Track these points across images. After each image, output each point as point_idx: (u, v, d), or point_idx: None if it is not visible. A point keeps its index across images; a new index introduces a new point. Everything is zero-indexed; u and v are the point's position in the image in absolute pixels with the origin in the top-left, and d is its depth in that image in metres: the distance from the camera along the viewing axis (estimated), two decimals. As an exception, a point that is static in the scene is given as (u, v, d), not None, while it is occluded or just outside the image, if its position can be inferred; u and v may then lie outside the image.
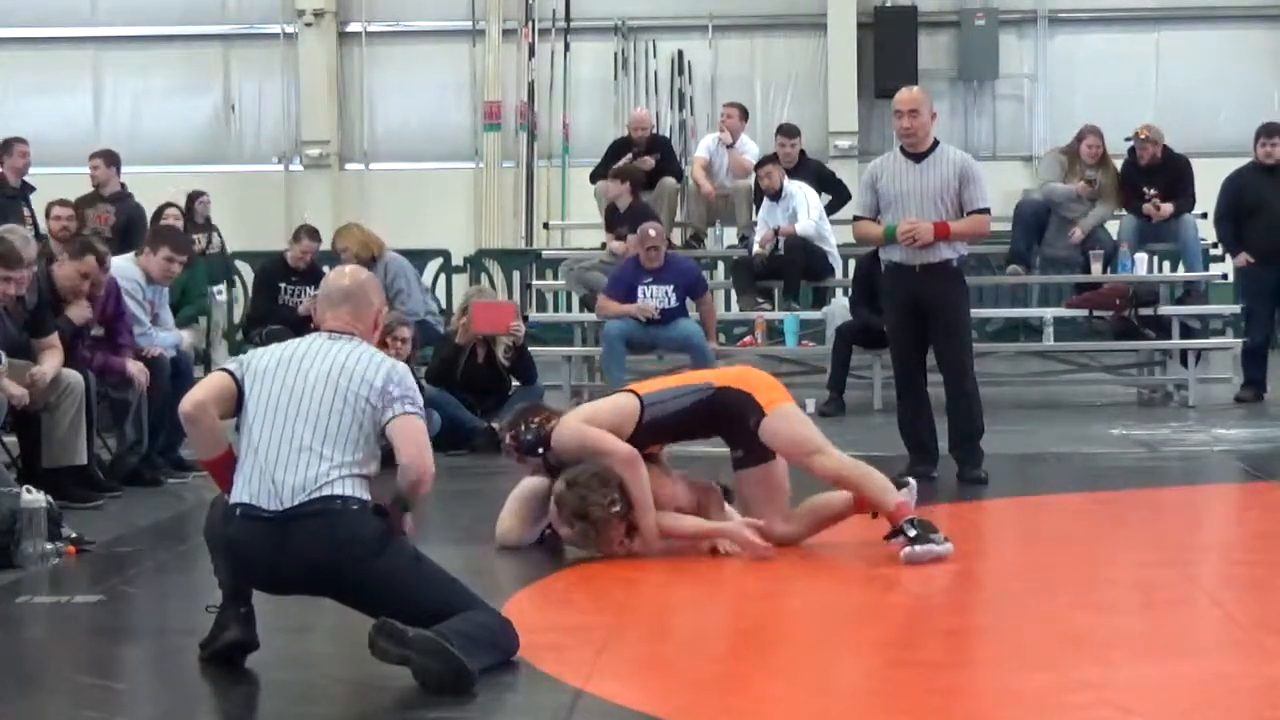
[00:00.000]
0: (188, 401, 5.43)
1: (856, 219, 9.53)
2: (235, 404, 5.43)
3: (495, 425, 9.98)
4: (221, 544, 5.41)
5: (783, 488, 7.39)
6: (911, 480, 7.58)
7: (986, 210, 9.24)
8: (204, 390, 5.45)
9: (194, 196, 15.85)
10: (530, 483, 7.49)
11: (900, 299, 9.34)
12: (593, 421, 7.23)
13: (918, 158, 9.16)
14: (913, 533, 7.04)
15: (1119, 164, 14.48)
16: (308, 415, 5.30)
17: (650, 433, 7.26)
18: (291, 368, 5.39)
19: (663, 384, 7.48)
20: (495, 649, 5.27)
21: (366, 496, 5.32)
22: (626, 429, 7.19)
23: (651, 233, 13.01)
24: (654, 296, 13.00)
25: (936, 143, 9.24)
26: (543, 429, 7.31)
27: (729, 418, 7.29)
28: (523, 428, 7.35)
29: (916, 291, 9.22)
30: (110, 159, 14.53)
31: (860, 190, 9.65)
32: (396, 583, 5.25)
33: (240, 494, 5.31)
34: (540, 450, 7.30)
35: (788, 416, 7.26)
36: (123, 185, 14.47)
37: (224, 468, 5.43)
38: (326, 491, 5.24)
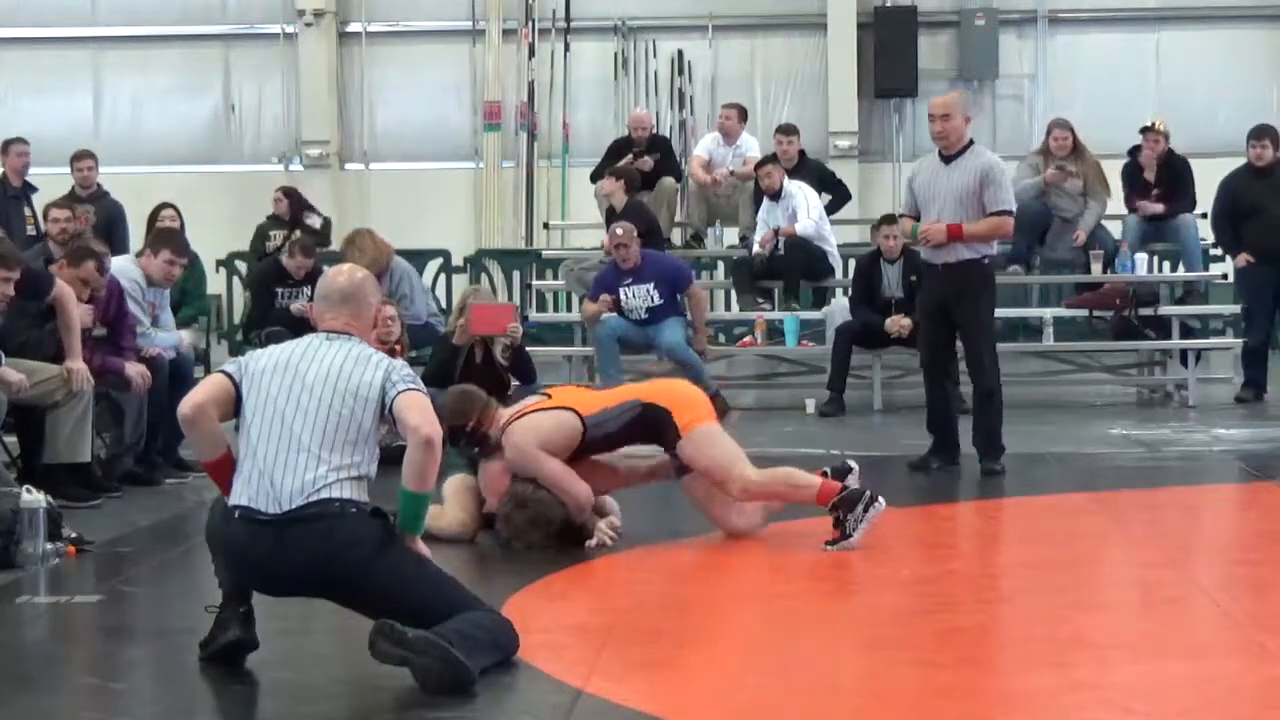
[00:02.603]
0: (186, 404, 5.42)
1: (901, 216, 10.25)
2: (234, 406, 5.43)
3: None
4: (221, 545, 5.41)
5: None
6: (853, 465, 7.81)
7: (1007, 212, 9.53)
8: (202, 393, 5.45)
9: (288, 194, 15.91)
10: (461, 479, 7.82)
11: (926, 296, 9.83)
12: (545, 446, 7.52)
13: (948, 159, 9.49)
14: (834, 528, 7.33)
15: (1119, 164, 14.51)
16: (306, 417, 5.30)
17: (591, 448, 7.62)
18: (289, 370, 5.38)
19: (602, 403, 7.70)
20: (495, 649, 5.27)
21: (365, 499, 5.32)
22: (572, 448, 7.55)
23: (619, 232, 12.97)
24: (636, 296, 12.96)
25: (970, 144, 9.54)
26: (477, 433, 7.63)
27: (655, 433, 7.58)
28: (461, 427, 7.57)
29: (940, 289, 9.59)
30: (96, 160, 14.57)
31: (904, 190, 10.13)
32: (395, 585, 5.25)
33: (239, 496, 5.31)
34: (475, 450, 7.72)
35: (699, 440, 7.48)
36: (98, 185, 14.49)
37: (224, 469, 5.43)
38: (325, 494, 5.24)
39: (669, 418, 7.49)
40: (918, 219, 9.59)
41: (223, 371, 5.50)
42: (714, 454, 7.48)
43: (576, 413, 7.58)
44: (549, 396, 7.81)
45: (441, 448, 5.29)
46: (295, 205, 15.85)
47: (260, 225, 15.81)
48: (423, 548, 5.42)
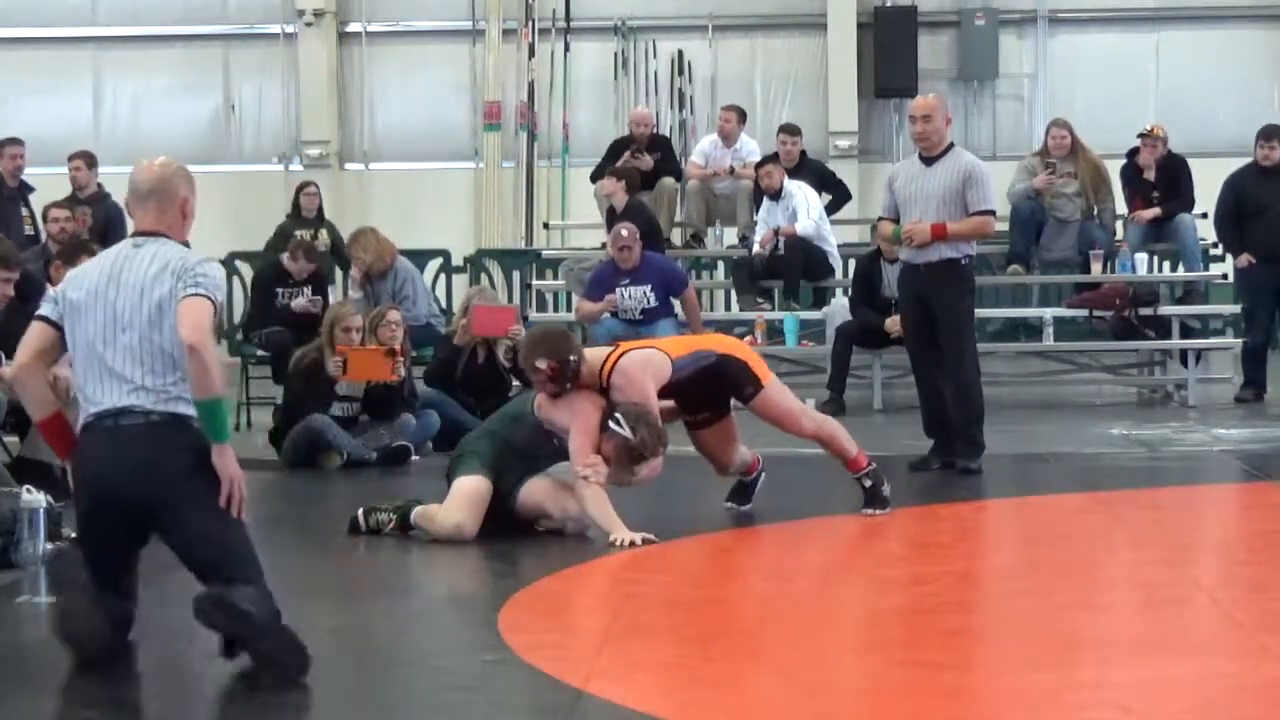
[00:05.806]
0: (15, 366, 5.43)
1: (880, 220, 10.21)
2: (62, 345, 5.43)
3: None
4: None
5: (736, 431, 8.25)
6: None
7: (989, 212, 9.64)
8: (28, 350, 5.43)
9: (301, 188, 15.90)
10: (471, 480, 7.67)
11: (908, 295, 9.89)
12: (655, 379, 7.76)
13: (930, 161, 9.56)
14: (866, 497, 8.08)
15: (1119, 164, 14.52)
16: (122, 354, 5.28)
17: (667, 392, 7.90)
18: (101, 302, 5.33)
19: (677, 350, 7.99)
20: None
21: (190, 412, 5.29)
22: (660, 387, 7.81)
23: (624, 233, 12.99)
24: (632, 297, 12.97)
25: (951, 146, 9.63)
26: (580, 367, 7.69)
27: (726, 383, 7.97)
28: (570, 361, 7.63)
29: (921, 288, 9.67)
30: (91, 160, 14.52)
31: (883, 192, 10.10)
32: (204, 521, 5.29)
33: (79, 425, 5.35)
34: (568, 385, 7.70)
35: (779, 389, 8.16)
36: (99, 185, 14.46)
37: (57, 430, 5.45)
38: (150, 406, 5.24)
39: (748, 369, 7.95)
40: (897, 221, 9.65)
41: (41, 317, 5.47)
42: (788, 403, 8.12)
43: (667, 354, 7.86)
44: (617, 347, 7.98)
45: (214, 349, 5.23)
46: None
47: (281, 225, 15.77)
48: (232, 460, 5.32)
